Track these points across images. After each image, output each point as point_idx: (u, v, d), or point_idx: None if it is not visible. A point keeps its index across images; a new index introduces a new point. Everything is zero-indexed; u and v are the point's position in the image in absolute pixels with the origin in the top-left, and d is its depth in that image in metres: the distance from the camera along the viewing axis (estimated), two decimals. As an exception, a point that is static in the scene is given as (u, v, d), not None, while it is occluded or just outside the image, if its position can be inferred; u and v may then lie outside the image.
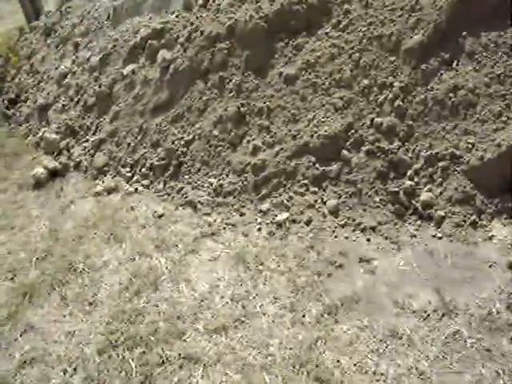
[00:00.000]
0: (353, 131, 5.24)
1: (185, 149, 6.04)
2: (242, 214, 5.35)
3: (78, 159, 6.91)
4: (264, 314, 3.96)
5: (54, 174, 6.83)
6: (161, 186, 6.01)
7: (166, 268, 4.68)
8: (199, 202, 5.60)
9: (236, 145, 5.83)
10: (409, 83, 5.06)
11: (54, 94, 8.26)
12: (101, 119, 7.16)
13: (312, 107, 5.67)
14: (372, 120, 5.15)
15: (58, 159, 7.09)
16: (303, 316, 3.89)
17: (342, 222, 4.85)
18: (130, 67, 7.10)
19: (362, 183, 4.99)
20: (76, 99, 7.76)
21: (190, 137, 6.07)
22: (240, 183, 5.57)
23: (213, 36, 6.39)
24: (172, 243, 5.11)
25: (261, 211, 5.32)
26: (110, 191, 6.24)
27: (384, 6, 5.54)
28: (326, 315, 3.84)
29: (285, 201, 5.32)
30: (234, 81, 6.10)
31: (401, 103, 5.03)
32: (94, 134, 7.12)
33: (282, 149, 5.56)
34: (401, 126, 5.02)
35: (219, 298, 4.23)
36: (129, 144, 6.50)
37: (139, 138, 6.48)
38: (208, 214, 5.48)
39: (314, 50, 5.93)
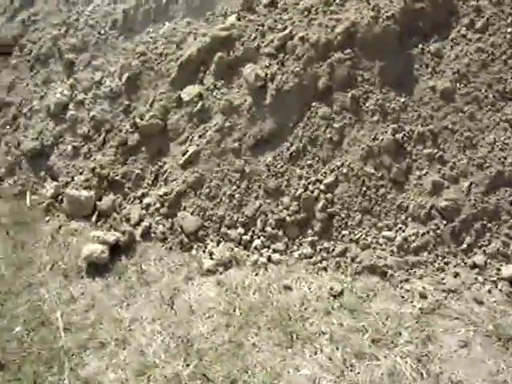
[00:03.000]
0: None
1: (329, 195, 4.68)
2: (455, 275, 4.20)
3: (144, 224, 5.06)
4: None
5: (113, 250, 4.93)
6: (308, 249, 4.59)
7: (411, 368, 3.44)
8: (386, 265, 4.32)
9: (402, 183, 4.65)
10: None
11: (53, 133, 6.15)
12: (159, 163, 5.40)
13: (485, 127, 4.69)
14: None
15: (110, 228, 5.16)
16: None
17: None
18: (191, 90, 5.42)
19: None
20: (100, 138, 5.81)
21: (331, 178, 4.72)
22: (431, 233, 4.40)
23: (323, 44, 5.07)
24: (393, 331, 3.81)
25: (475, 266, 4.24)
26: (226, 266, 4.65)
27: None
28: None
29: (500, 248, 4.29)
30: (372, 100, 4.86)
31: None
32: (153, 185, 5.33)
33: (472, 183, 4.50)
34: None
35: None
36: (230, 196, 4.89)
37: (243, 185, 4.94)
38: (406, 281, 4.24)
39: (457, 56, 4.96)
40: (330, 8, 5.37)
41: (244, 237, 4.84)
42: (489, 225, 4.42)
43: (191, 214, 5.02)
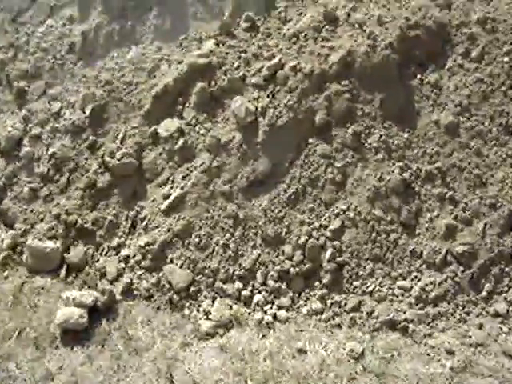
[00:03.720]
0: None
1: (336, 242, 4.29)
2: (480, 326, 3.94)
3: (124, 279, 4.46)
4: None
5: (91, 312, 4.29)
6: (317, 304, 4.20)
7: None
8: (405, 319, 4.00)
9: (414, 226, 4.37)
10: None
11: (5, 173, 5.37)
12: (136, 208, 4.82)
13: (493, 163, 4.52)
14: None
15: (83, 285, 4.51)
16: None
17: None
18: (169, 125, 4.87)
19: None
20: (63, 179, 5.11)
21: (337, 224, 4.36)
22: (449, 281, 4.14)
23: (317, 74, 4.69)
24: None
25: (498, 314, 4.02)
26: (227, 327, 4.13)
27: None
28: None
29: (521, 294, 4.09)
30: (375, 137, 4.55)
31: None
32: (130, 233, 4.74)
33: (486, 224, 4.27)
34: None
35: None
36: (223, 245, 4.39)
37: (238, 233, 4.46)
38: (429, 336, 3.94)
39: (457, 87, 4.78)
40: (320, 34, 4.99)
41: (243, 292, 4.34)
42: (506, 269, 4.19)
43: (180, 267, 4.45)
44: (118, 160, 4.91)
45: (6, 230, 5.22)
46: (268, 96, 4.76)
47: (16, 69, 5.80)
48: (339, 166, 4.51)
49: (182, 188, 4.65)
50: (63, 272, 4.71)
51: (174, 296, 4.38)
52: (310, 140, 4.63)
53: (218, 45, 5.22)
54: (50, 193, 5.17)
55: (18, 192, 5.32)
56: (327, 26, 5.04)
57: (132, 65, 5.38)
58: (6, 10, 6.15)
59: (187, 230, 4.54)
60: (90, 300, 4.28)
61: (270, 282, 4.32)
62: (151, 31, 5.48)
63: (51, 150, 5.24)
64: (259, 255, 4.41)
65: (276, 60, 4.83)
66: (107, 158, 4.94)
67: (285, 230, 4.45)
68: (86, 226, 4.85)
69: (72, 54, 5.68)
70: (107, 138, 5.16)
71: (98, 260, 4.75)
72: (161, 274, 4.48)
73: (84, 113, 5.25)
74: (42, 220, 5.07)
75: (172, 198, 4.62)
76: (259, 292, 4.33)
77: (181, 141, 4.79)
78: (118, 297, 4.47)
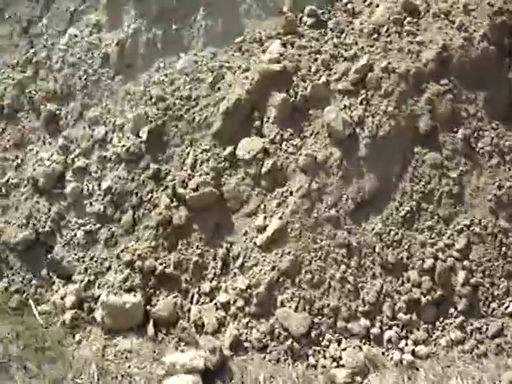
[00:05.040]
0: None
1: (466, 262, 3.89)
2: None
3: (231, 331, 3.91)
4: None
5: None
6: (457, 333, 3.89)
7: None
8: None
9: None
10: None
11: (49, 215, 4.65)
12: (224, 245, 4.25)
13: None
14: None
15: (178, 343, 3.94)
16: None
17: None
18: (250, 145, 4.29)
19: None
20: (126, 217, 4.44)
21: (462, 242, 4.03)
22: None
23: (413, 74, 4.18)
24: None
25: None
26: (364, 372, 3.71)
27: None
28: None
29: None
30: (485, 140, 4.29)
31: None
32: (222, 274, 4.16)
33: None
34: None
35: None
36: (340, 279, 3.92)
37: (353, 264, 4.03)
38: None
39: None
40: (403, 28, 4.46)
41: (371, 329, 3.85)
42: None
43: (295, 309, 3.90)
44: (194, 190, 4.25)
45: (61, 282, 4.47)
46: (362, 103, 4.22)
47: (40, 89, 4.94)
48: (454, 176, 4.07)
49: (280, 218, 4.07)
50: (151, 329, 4.06)
51: (294, 344, 3.85)
52: (416, 149, 4.17)
53: (284, 45, 4.60)
54: (113, 235, 4.45)
55: (69, 237, 4.57)
56: (408, 19, 4.52)
57: (185, 76, 4.67)
58: (13, 20, 5.21)
59: (295, 266, 3.99)
60: (202, 363, 3.68)
61: (400, 315, 3.87)
62: (201, 34, 4.77)
63: (105, 184, 4.50)
64: (382, 286, 3.94)
65: (364, 61, 4.28)
66: (180, 190, 4.27)
67: (405, 254, 3.99)
68: (167, 271, 4.19)
69: (106, 67, 4.88)
70: (172, 164, 4.48)
71: (190, 310, 4.12)
72: (273, 320, 3.92)
73: (139, 137, 4.52)
74: (108, 269, 4.36)
75: (271, 230, 4.04)
76: (389, 327, 3.88)
77: (268, 162, 4.18)
78: (227, 352, 3.88)
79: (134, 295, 4.15)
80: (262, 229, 4.13)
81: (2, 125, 5.05)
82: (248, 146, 4.31)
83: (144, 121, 4.56)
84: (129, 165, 4.54)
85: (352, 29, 4.63)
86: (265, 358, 3.88)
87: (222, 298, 4.08)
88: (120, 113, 4.72)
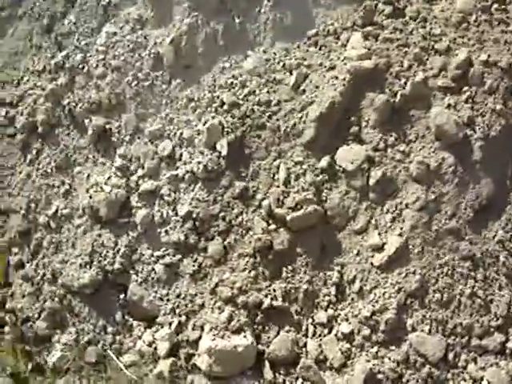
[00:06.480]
0: None
1: None
2: None
3: (360, 365, 3.57)
4: None
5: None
6: None
7: None
8: None
9: None
10: None
11: (117, 250, 3.96)
12: (335, 268, 3.84)
13: None
14: None
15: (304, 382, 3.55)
16: None
17: None
18: (352, 154, 3.89)
19: None
20: (214, 246, 3.91)
21: None
22: None
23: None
24: None
25: None
26: (512, 392, 3.50)
27: None
28: None
29: None
30: None
31: None
32: (338, 301, 3.78)
33: None
34: None
35: None
36: (470, 295, 3.67)
37: (479, 276, 3.80)
38: None
39: None
40: (492, 16, 4.16)
41: (508, 344, 3.64)
42: None
43: (428, 333, 3.60)
44: (293, 209, 3.78)
45: (143, 326, 3.86)
46: (467, 101, 3.91)
47: (80, 100, 4.15)
48: None
49: (400, 234, 3.71)
50: (268, 372, 3.60)
51: (433, 370, 3.56)
52: (527, 147, 3.94)
53: (366, 38, 4.16)
54: (200, 266, 3.88)
55: (146, 272, 3.93)
56: (495, 5, 4.22)
57: (257, 77, 4.10)
58: (31, 18, 4.32)
59: (422, 287, 3.67)
60: (345, 405, 3.32)
61: (535, 326, 3.69)
62: (268, 28, 4.20)
63: (183, 209, 3.91)
64: (511, 297, 3.72)
65: (463, 55, 3.95)
66: (277, 210, 3.78)
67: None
68: (275, 303, 3.72)
69: (160, 70, 4.20)
70: (260, 180, 3.95)
71: (306, 344, 3.69)
72: (406, 347, 3.60)
73: (215, 151, 3.93)
74: (201, 306, 3.81)
75: (392, 248, 3.68)
76: (524, 340, 3.69)
77: (377, 173, 3.78)
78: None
79: (245, 336, 3.66)
80: (378, 247, 3.76)
81: (36, 145, 4.22)
82: (349, 156, 3.89)
83: (219, 132, 3.97)
84: (207, 184, 3.96)
85: (435, 17, 4.27)
86: (404, 389, 3.59)
87: (343, 327, 3.69)
88: (186, 123, 4.08)
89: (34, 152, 4.22)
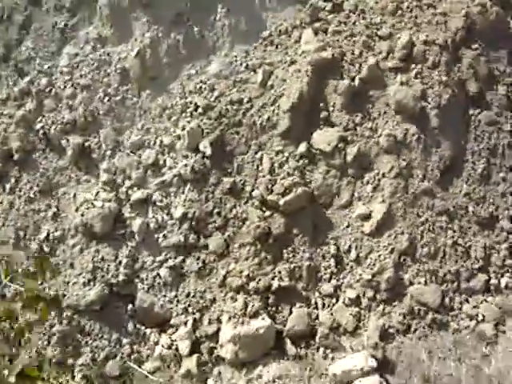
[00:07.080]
0: None
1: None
2: None
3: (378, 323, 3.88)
4: None
5: None
6: None
7: None
8: None
9: None
10: None
11: (122, 263, 3.97)
12: (329, 242, 4.14)
13: None
14: None
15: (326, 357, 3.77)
16: None
17: None
18: (326, 137, 4.22)
19: None
20: (214, 241, 4.06)
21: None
22: None
23: (451, 43, 4.58)
24: None
25: None
26: None
27: None
28: None
29: None
30: None
31: None
32: (339, 271, 4.04)
33: None
34: None
35: None
36: (453, 244, 4.15)
37: (456, 226, 4.28)
38: None
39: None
40: (421, 2, 4.73)
41: (491, 281, 4.10)
42: None
43: (424, 284, 3.96)
44: (283, 194, 4.02)
45: (156, 331, 3.88)
46: (416, 77, 4.39)
47: (53, 122, 4.12)
48: (509, 128, 4.48)
49: (382, 201, 4.07)
50: (291, 348, 3.77)
51: (436, 315, 3.92)
52: (471, 111, 4.48)
53: (316, 34, 4.54)
54: (204, 263, 3.98)
55: (151, 279, 3.97)
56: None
57: (224, 79, 4.34)
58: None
59: (412, 244, 4.03)
60: (374, 361, 3.57)
61: (509, 262, 4.18)
62: (226, 34, 4.45)
63: (178, 212, 4.01)
64: (485, 244, 4.19)
65: (406, 37, 4.44)
66: (269, 196, 4.00)
67: (492, 207, 4.28)
68: (282, 284, 3.91)
69: (128, 83, 4.30)
70: (246, 173, 4.16)
71: (318, 316, 3.92)
72: (407, 301, 3.93)
73: (199, 152, 4.09)
74: (212, 300, 3.91)
75: (378, 215, 4.02)
76: (501, 275, 4.16)
77: (353, 150, 4.14)
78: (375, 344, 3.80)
79: (263, 318, 3.81)
80: (365, 216, 4.10)
81: (14, 173, 4.11)
82: (324, 138, 4.21)
83: (199, 134, 4.14)
84: (196, 185, 4.10)
85: (371, 8, 4.76)
86: (412, 338, 3.89)
87: (349, 294, 3.97)
88: (164, 131, 4.21)
89: (13, 180, 4.10)
